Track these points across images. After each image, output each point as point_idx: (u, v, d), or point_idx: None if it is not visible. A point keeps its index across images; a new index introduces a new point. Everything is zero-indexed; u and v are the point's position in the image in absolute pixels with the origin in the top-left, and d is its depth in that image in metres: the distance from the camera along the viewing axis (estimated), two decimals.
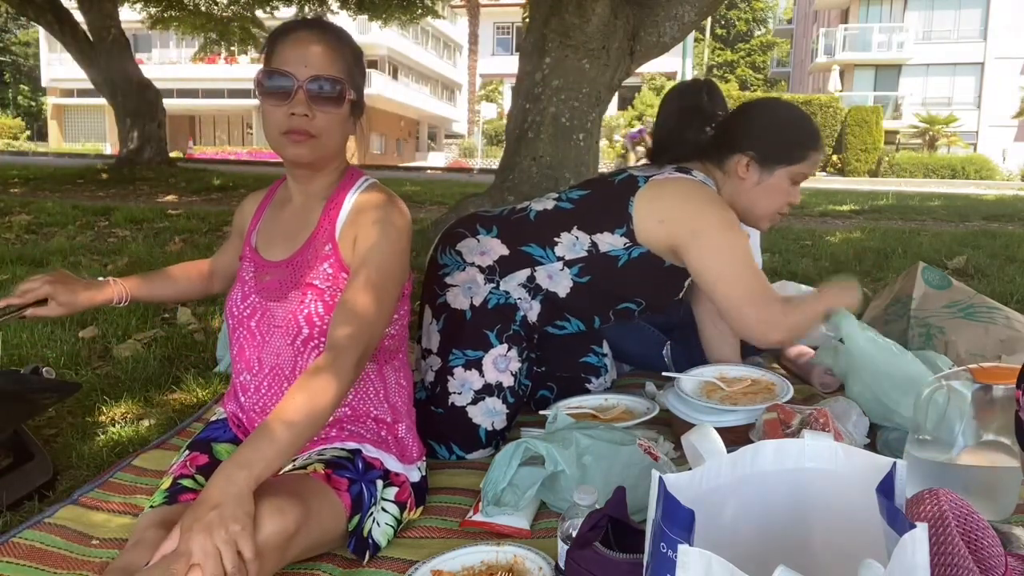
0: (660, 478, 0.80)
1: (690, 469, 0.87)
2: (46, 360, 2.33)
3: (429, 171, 18.45)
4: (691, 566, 0.72)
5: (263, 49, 1.38)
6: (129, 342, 2.57)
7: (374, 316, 1.26)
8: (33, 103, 40.46)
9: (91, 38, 10.02)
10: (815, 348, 2.32)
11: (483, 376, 1.74)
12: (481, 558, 1.23)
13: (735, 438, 1.48)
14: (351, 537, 1.24)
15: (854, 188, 12.43)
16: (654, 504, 0.81)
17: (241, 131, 34.85)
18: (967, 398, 1.33)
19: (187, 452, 1.38)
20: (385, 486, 1.34)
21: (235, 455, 1.07)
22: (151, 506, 1.25)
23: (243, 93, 30.96)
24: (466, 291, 1.80)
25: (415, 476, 1.43)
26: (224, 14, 12.47)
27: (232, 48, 20.21)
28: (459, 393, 1.74)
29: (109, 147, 27.27)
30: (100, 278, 1.53)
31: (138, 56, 14.30)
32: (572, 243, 1.80)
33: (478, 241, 1.85)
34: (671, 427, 1.78)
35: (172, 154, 12.92)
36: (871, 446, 1.62)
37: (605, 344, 2.12)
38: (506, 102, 29.93)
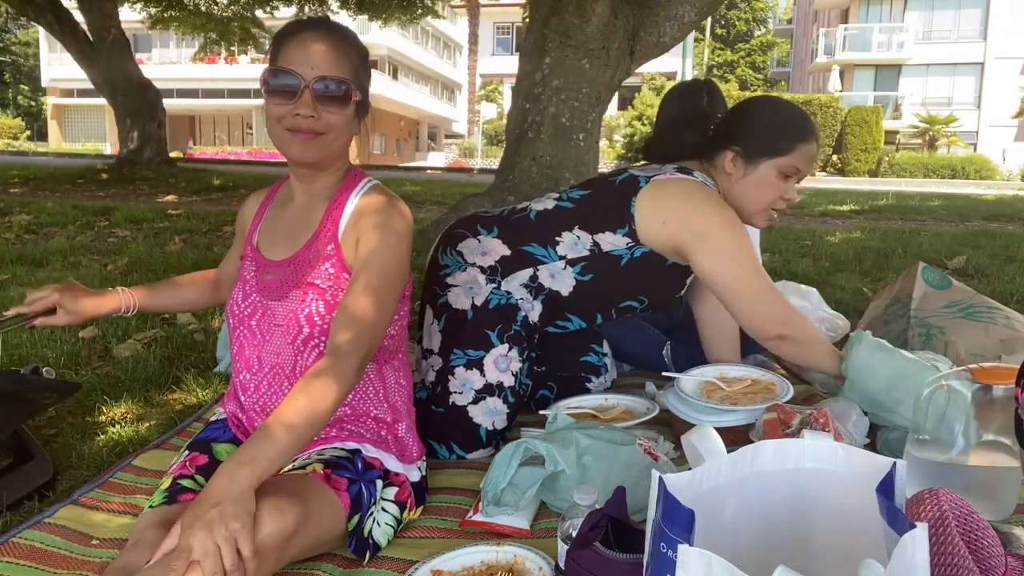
0: (660, 478, 0.80)
1: (690, 469, 0.87)
2: (46, 360, 2.33)
3: (429, 171, 18.44)
4: (691, 566, 0.71)
5: (268, 49, 1.38)
6: (129, 342, 2.57)
7: (374, 320, 1.26)
8: (33, 103, 40.45)
9: (91, 38, 10.02)
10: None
11: (484, 376, 1.74)
12: (481, 558, 1.23)
13: (735, 438, 1.48)
14: (351, 537, 1.24)
15: (854, 188, 12.43)
16: (654, 504, 0.81)
17: (241, 131, 34.84)
18: (967, 398, 1.33)
19: (187, 452, 1.38)
20: (385, 486, 1.34)
21: (237, 454, 1.07)
22: (151, 506, 1.25)
23: (243, 93, 31.00)
24: (467, 291, 1.80)
25: (415, 476, 1.43)
26: (224, 14, 12.46)
27: (232, 48, 20.20)
28: (460, 393, 1.74)
29: (109, 147, 27.27)
30: (116, 288, 1.55)
31: (138, 56, 14.30)
32: (574, 242, 1.80)
33: (479, 241, 1.85)
34: (671, 427, 1.78)
35: (172, 154, 12.92)
36: (871, 446, 1.62)
37: (605, 343, 2.12)
38: (506, 102, 29.95)
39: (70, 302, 1.47)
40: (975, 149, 24.55)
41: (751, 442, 0.99)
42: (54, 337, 2.55)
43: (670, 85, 12.85)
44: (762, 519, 0.90)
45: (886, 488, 0.79)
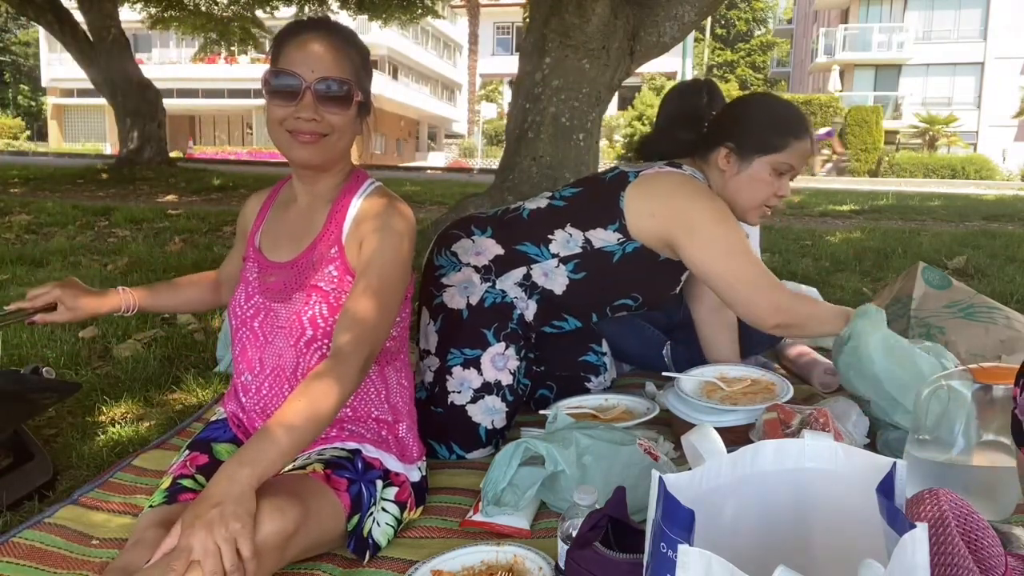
0: (660, 478, 0.80)
1: (690, 469, 0.87)
2: (46, 360, 2.33)
3: (429, 171, 18.44)
4: (691, 566, 0.71)
5: (269, 49, 1.38)
6: (129, 342, 2.57)
7: (377, 322, 1.26)
8: (33, 103, 40.44)
9: (91, 38, 10.02)
10: (817, 348, 2.32)
11: (481, 375, 1.75)
12: (481, 558, 1.23)
13: (735, 438, 1.48)
14: (351, 537, 1.24)
15: (854, 188, 12.43)
16: (654, 504, 0.81)
17: (241, 131, 34.84)
18: (967, 398, 1.33)
19: (187, 452, 1.38)
20: (385, 486, 1.34)
21: (238, 454, 1.07)
22: (151, 506, 1.25)
23: (243, 93, 30.98)
24: (462, 291, 1.80)
25: (415, 476, 1.43)
26: (224, 14, 12.46)
27: (232, 48, 20.18)
28: (458, 392, 1.74)
29: (109, 147, 27.26)
30: (117, 288, 1.55)
31: (138, 56, 14.30)
32: (566, 240, 1.80)
33: (473, 242, 1.86)
34: (671, 427, 1.78)
35: (172, 154, 12.92)
36: (871, 446, 1.62)
37: (604, 343, 2.12)
38: (506, 102, 29.93)
39: (70, 299, 1.47)
40: (975, 149, 24.54)
41: (751, 442, 0.99)
42: (54, 337, 2.55)
43: (670, 85, 12.84)
44: (762, 519, 0.90)
45: (886, 488, 0.79)
